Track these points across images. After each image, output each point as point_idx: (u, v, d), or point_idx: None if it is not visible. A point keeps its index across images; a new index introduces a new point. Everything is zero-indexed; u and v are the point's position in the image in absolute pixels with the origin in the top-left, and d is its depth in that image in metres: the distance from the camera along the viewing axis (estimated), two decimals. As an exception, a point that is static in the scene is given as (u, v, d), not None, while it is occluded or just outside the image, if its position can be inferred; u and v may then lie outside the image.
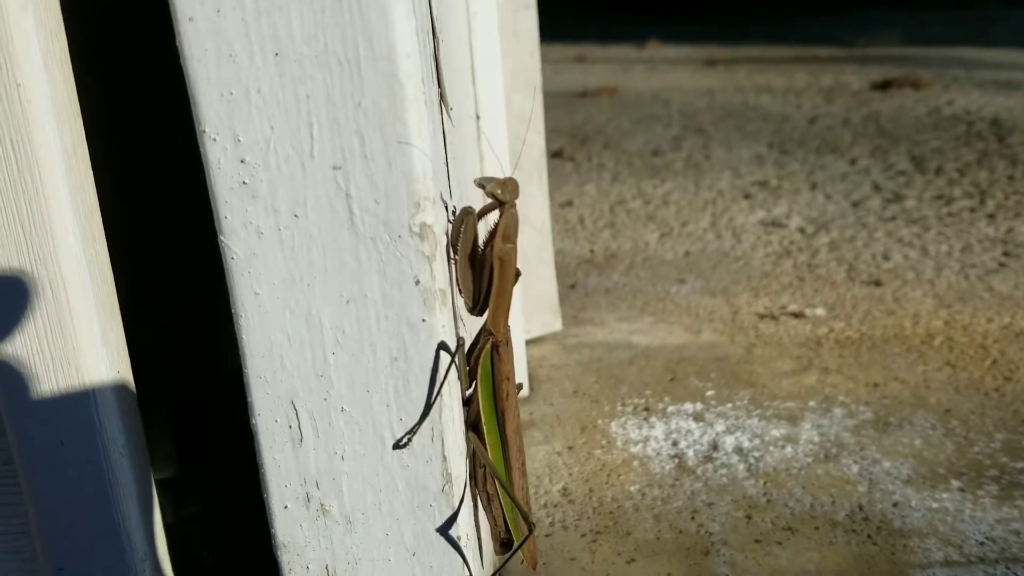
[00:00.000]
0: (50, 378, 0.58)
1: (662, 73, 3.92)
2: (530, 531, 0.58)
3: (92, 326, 0.58)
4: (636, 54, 4.54)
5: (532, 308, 1.42)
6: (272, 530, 0.60)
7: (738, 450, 1.08)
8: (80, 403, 0.59)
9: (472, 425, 0.61)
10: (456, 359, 0.58)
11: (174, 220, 0.67)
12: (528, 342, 1.39)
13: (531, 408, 1.22)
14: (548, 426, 1.17)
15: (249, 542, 0.71)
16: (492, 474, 0.61)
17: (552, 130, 2.93)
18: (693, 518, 0.96)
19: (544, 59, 1.23)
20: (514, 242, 0.57)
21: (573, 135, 2.88)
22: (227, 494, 0.74)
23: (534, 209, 1.39)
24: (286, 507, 0.59)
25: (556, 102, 3.34)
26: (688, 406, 1.19)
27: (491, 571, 0.66)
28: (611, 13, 6.26)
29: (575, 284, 1.69)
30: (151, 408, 0.67)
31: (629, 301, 1.58)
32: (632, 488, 1.02)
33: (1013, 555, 0.88)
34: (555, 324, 1.45)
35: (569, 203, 2.19)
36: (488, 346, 0.60)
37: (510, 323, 0.62)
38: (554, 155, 2.61)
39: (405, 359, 0.56)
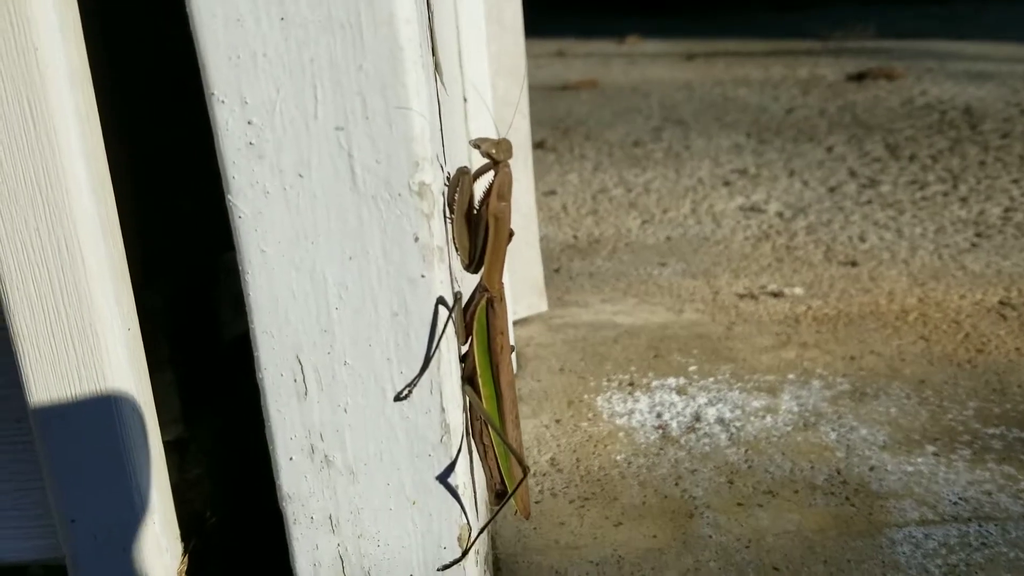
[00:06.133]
0: (65, 336, 0.60)
1: (642, 67, 3.96)
2: (525, 474, 0.61)
3: (105, 285, 0.60)
4: (616, 49, 4.58)
5: (519, 290, 1.45)
6: (277, 481, 0.62)
7: (720, 420, 1.11)
8: (92, 361, 0.61)
9: (468, 379, 0.64)
10: (453, 314, 0.61)
11: (183, 184, 0.70)
12: (515, 323, 1.42)
13: (519, 384, 1.24)
14: (536, 401, 1.20)
15: (248, 505, 0.73)
16: (488, 425, 0.64)
17: (534, 122, 2.95)
18: (677, 484, 0.99)
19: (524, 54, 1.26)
20: (508, 200, 0.60)
21: (555, 127, 2.91)
22: (228, 460, 0.76)
23: (520, 193, 1.42)
24: (291, 459, 0.62)
25: (537, 95, 3.37)
26: (671, 380, 1.23)
27: (487, 520, 0.69)
28: (590, 10, 6.30)
29: (559, 268, 1.72)
30: (158, 370, 0.69)
31: (612, 284, 1.62)
32: (618, 457, 1.05)
33: (985, 514, 0.92)
34: (541, 305, 1.48)
35: (552, 192, 2.22)
36: (483, 302, 0.63)
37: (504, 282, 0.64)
38: (537, 146, 2.64)
39: (405, 313, 0.59)
